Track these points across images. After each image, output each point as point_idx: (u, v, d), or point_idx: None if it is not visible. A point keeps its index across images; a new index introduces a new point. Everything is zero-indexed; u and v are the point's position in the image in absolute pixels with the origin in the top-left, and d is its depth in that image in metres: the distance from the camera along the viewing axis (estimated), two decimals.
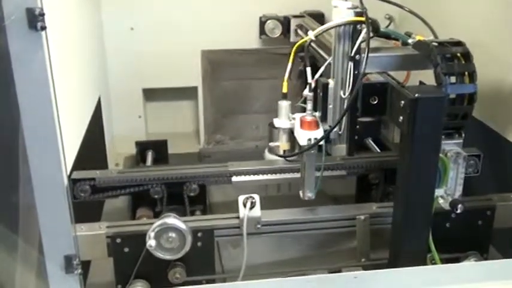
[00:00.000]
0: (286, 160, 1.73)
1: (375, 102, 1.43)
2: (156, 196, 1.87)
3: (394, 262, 1.47)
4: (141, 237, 1.47)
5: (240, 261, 1.60)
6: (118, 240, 1.50)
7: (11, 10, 1.01)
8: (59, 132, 1.11)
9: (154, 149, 2.47)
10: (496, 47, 1.81)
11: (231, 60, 2.62)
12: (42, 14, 1.02)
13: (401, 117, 1.34)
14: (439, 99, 1.30)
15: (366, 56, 1.37)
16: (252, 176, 1.89)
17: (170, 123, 2.78)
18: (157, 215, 1.90)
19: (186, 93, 2.72)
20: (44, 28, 1.03)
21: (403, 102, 1.31)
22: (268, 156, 2.08)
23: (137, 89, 2.64)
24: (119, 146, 2.62)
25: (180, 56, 2.58)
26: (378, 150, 2.23)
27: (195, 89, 2.67)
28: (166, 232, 1.42)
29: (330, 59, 1.53)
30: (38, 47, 1.05)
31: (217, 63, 2.63)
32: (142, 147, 2.47)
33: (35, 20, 1.02)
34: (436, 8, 2.13)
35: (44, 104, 1.09)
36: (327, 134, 1.44)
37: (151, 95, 2.74)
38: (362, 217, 1.60)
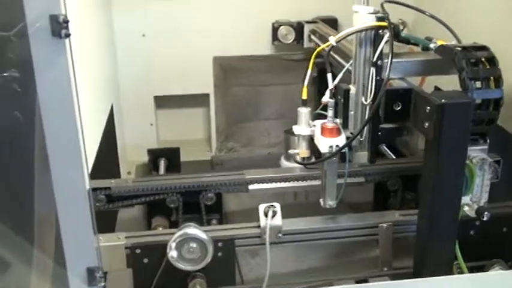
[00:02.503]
0: (306, 168, 1.70)
1: (398, 108, 1.41)
2: (172, 205, 1.84)
3: (419, 271, 1.44)
4: (161, 247, 1.45)
5: (259, 272, 1.58)
6: (137, 251, 1.47)
7: (35, 17, 0.99)
8: (82, 140, 1.09)
9: (166, 157, 2.45)
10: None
11: (243, 66, 2.61)
12: (66, 21, 1.00)
13: (426, 124, 1.31)
14: (466, 104, 1.27)
15: (389, 62, 1.34)
16: (269, 184, 1.86)
17: (182, 131, 2.77)
18: (173, 225, 1.88)
19: (198, 100, 2.70)
20: (68, 35, 1.00)
21: (428, 108, 1.29)
22: (285, 163, 2.05)
23: (148, 96, 2.63)
24: (131, 154, 2.60)
25: (192, 63, 2.57)
26: (393, 157, 2.21)
27: (206, 96, 2.65)
28: (188, 242, 1.40)
29: (348, 65, 1.51)
30: (61, 54, 1.03)
31: (229, 69, 2.61)
32: (155, 155, 2.45)
33: (59, 27, 1.00)
34: (451, 12, 2.10)
35: (67, 111, 1.06)
36: (349, 141, 1.42)
37: (162, 102, 2.72)
38: (385, 225, 1.57)
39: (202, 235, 1.40)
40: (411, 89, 1.39)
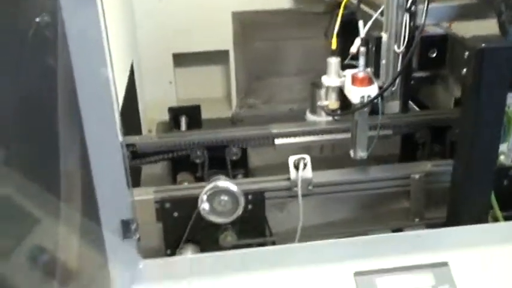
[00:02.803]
0: (335, 120, 1.67)
1: (434, 55, 1.36)
2: (197, 161, 1.83)
3: (453, 221, 1.42)
4: (191, 201, 1.44)
5: (287, 225, 1.57)
6: (167, 205, 1.47)
7: None
8: (114, 92, 1.07)
9: (187, 115, 2.43)
10: None
11: (263, 21, 2.55)
12: None
13: (464, 70, 1.27)
14: (507, 49, 1.22)
15: (425, 7, 1.29)
16: (295, 138, 1.84)
17: (201, 89, 2.73)
18: (198, 180, 1.87)
19: (217, 57, 2.65)
20: None
21: (467, 53, 1.24)
22: (310, 117, 2.02)
23: (167, 54, 2.59)
24: (151, 112, 2.57)
25: (210, 19, 2.51)
26: (417, 109, 2.17)
27: (226, 52, 2.60)
28: (219, 195, 1.39)
29: (378, 12, 1.46)
30: (90, 4, 1.00)
31: (248, 25, 2.56)
32: (176, 112, 2.42)
33: None
34: None
35: (99, 62, 1.04)
36: (382, 90, 1.38)
37: (181, 60, 2.68)
38: (417, 176, 1.55)
39: (234, 187, 1.39)
40: (447, 35, 1.34)
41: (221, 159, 1.85)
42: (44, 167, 1.17)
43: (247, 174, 1.92)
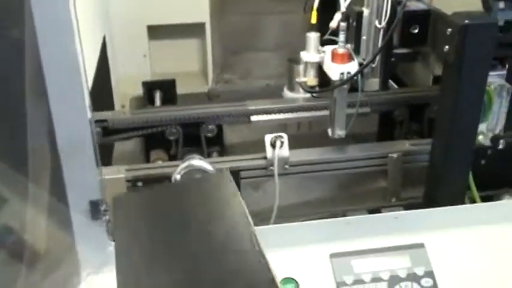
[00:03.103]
0: (313, 97, 1.63)
1: (415, 31, 1.33)
2: (171, 137, 1.78)
3: (430, 201, 1.40)
4: (164, 180, 1.39)
5: (262, 204, 1.53)
6: (139, 184, 1.42)
7: None
8: (83, 68, 1.00)
9: (162, 89, 2.35)
10: None
11: None
12: None
13: (446, 47, 1.23)
14: (490, 26, 1.19)
15: None
16: (272, 115, 1.79)
17: (176, 63, 2.65)
18: (172, 158, 1.82)
19: (193, 30, 2.57)
20: None
21: (450, 30, 1.21)
22: (288, 94, 1.98)
23: (141, 26, 2.49)
24: (124, 87, 2.49)
25: None
26: (395, 86, 2.14)
27: (202, 25, 2.52)
28: (193, 174, 1.34)
29: None
30: None
31: None
32: (150, 87, 2.34)
33: None
34: None
35: (65, 37, 0.97)
36: (363, 67, 1.34)
37: (156, 32, 2.59)
38: (394, 155, 1.52)
39: (208, 166, 1.34)
40: (429, 10, 1.31)
41: (196, 137, 1.80)
42: (10, 146, 1.12)
43: (222, 151, 1.88)
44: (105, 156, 1.94)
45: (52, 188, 1.16)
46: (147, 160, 1.82)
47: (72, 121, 1.03)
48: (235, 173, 1.46)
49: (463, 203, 1.39)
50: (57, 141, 1.06)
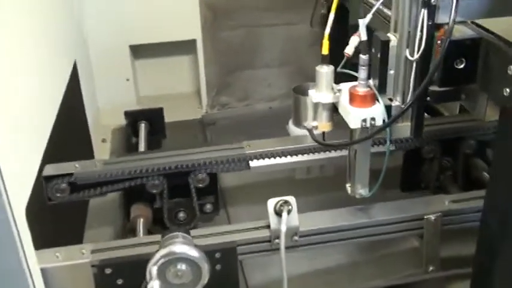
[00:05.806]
0: (326, 146, 1.30)
1: (461, 66, 1.00)
2: (154, 191, 1.47)
3: (482, 278, 1.08)
4: (139, 264, 1.08)
5: (267, 276, 1.23)
6: (108, 271, 1.10)
7: None
8: None
9: (147, 120, 2.05)
10: None
11: (236, 4, 2.14)
12: None
13: (507, 90, 0.91)
14: None
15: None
16: (275, 159, 1.48)
17: (165, 85, 2.34)
18: (157, 212, 1.52)
19: (183, 47, 2.26)
20: None
21: None
22: (293, 130, 1.66)
23: (123, 46, 2.18)
24: (105, 118, 2.18)
25: (174, 3, 2.10)
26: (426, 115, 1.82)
27: (193, 42, 2.20)
28: (174, 264, 1.02)
29: (380, 2, 1.08)
30: None
31: (219, 9, 2.15)
32: (134, 117, 2.05)
33: None
34: None
35: None
36: (396, 117, 1.02)
37: (140, 52, 2.27)
38: (432, 217, 1.20)
39: (193, 252, 1.03)
40: (481, 39, 0.98)
41: (185, 186, 1.50)
42: None
43: (217, 201, 1.57)
44: (78, 215, 1.63)
45: None
46: (128, 217, 1.52)
47: None
48: (231, 251, 1.14)
49: None
50: None
